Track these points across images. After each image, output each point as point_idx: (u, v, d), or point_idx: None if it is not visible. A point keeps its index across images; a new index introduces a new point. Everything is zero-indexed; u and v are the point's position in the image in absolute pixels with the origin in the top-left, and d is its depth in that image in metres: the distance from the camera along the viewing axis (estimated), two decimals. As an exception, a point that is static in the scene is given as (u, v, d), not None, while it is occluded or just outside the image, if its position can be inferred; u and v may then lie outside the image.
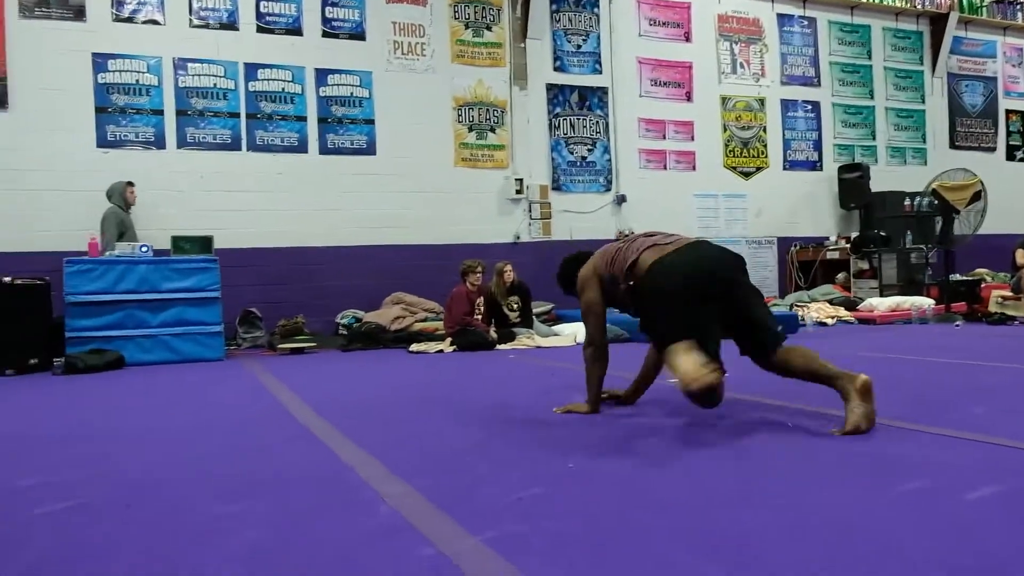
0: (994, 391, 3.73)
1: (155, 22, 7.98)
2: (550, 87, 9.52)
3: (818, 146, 11.00)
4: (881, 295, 9.01)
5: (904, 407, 3.24)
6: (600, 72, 9.80)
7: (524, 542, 1.73)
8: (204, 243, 7.01)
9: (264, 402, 4.12)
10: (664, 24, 10.17)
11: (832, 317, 7.95)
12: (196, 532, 1.91)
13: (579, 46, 9.72)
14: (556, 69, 9.58)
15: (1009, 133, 12.44)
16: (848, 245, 9.83)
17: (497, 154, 9.26)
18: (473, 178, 9.11)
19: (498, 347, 6.80)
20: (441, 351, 6.65)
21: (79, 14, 7.73)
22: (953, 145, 11.94)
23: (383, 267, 8.51)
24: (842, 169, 10.82)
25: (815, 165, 10.97)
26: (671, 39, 10.20)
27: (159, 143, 7.93)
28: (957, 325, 7.41)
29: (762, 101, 10.69)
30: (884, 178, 10.88)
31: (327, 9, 8.60)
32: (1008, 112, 12.44)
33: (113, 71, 7.82)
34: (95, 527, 1.99)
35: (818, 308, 8.07)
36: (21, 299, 5.96)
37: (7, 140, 7.39)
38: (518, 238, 9.22)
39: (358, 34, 8.72)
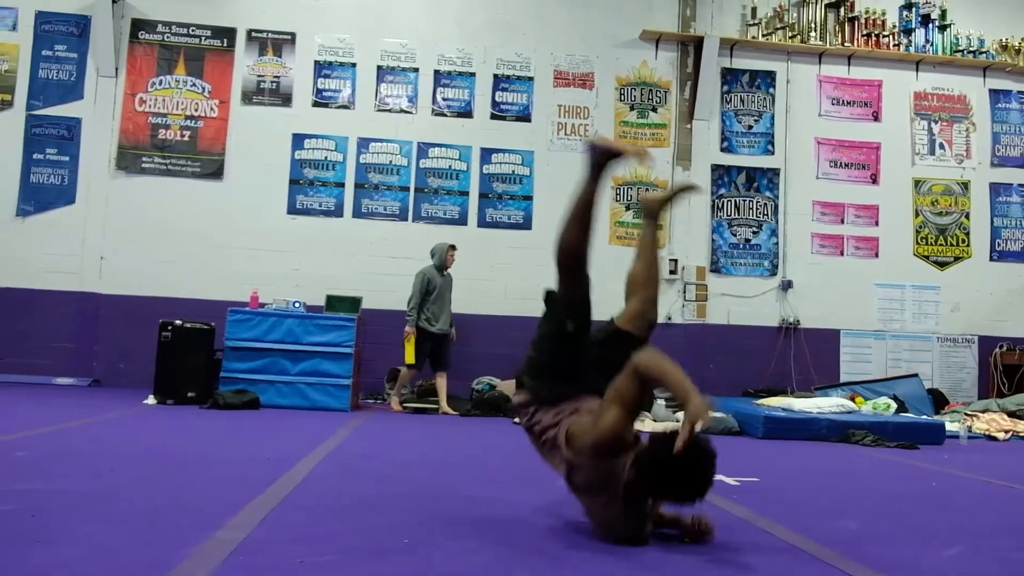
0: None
1: (346, 107, 9.07)
2: (715, 168, 9.37)
3: (1037, 235, 9.68)
4: (1094, 412, 7.65)
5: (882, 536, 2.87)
6: (772, 153, 9.48)
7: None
8: (353, 303, 7.73)
9: (280, 451, 4.51)
10: (849, 103, 9.63)
11: (1007, 431, 6.89)
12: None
13: (750, 127, 9.50)
14: (723, 150, 9.42)
15: None
16: (1061, 350, 8.49)
17: (654, 232, 9.22)
18: (627, 256, 9.08)
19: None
20: (544, 423, 6.71)
21: (287, 100, 9.01)
22: None
23: (527, 338, 8.72)
24: (1066, 263, 9.42)
25: (1032, 257, 9.65)
26: (856, 118, 9.62)
27: (338, 212, 8.93)
28: None
29: (966, 185, 9.66)
30: None
31: (497, 94, 9.24)
32: None
33: (308, 148, 8.98)
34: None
35: (990, 420, 7.05)
36: (189, 340, 6.97)
37: (218, 205, 8.74)
38: (670, 319, 9.06)
39: (524, 116, 9.25)
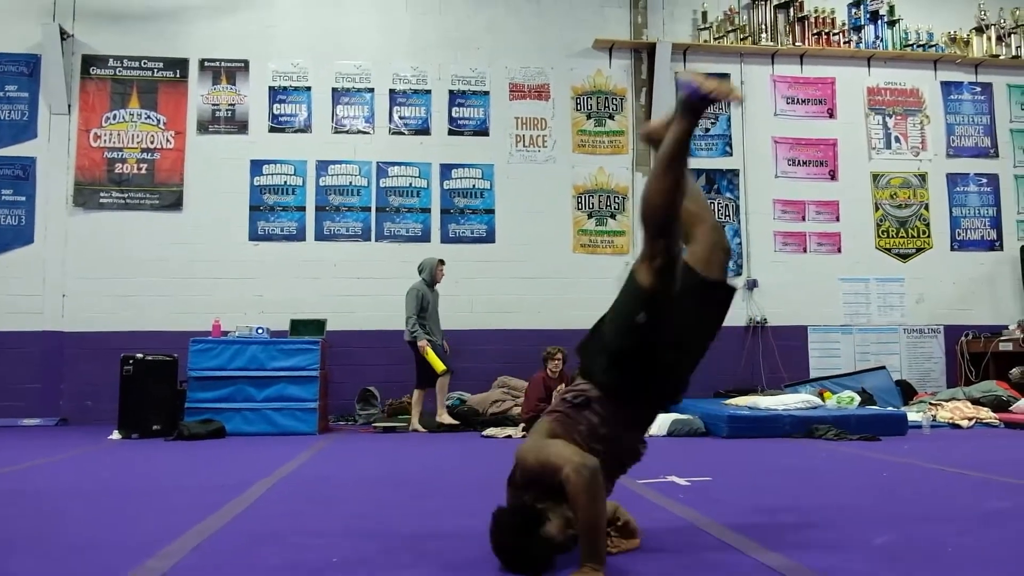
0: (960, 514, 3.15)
1: (303, 131, 9.07)
2: (675, 171, 9.40)
3: (996, 223, 9.78)
4: (1060, 395, 7.71)
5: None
6: (730, 154, 9.55)
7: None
8: (318, 326, 7.71)
9: (236, 477, 4.48)
10: (804, 102, 9.73)
11: (970, 419, 6.94)
12: None
13: (708, 129, 9.58)
14: (682, 153, 9.47)
15: None
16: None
17: (617, 240, 9.28)
18: (592, 264, 9.17)
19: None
20: (510, 436, 6.71)
21: (243, 127, 9.00)
22: None
23: (496, 351, 8.76)
24: (1025, 248, 9.53)
25: (992, 244, 9.75)
26: (812, 116, 9.72)
27: (300, 236, 8.90)
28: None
29: (923, 176, 9.77)
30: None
31: (454, 109, 9.27)
32: None
33: (267, 174, 8.96)
34: None
35: (953, 408, 7.09)
36: (151, 372, 6.91)
37: (179, 236, 8.69)
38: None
39: (482, 130, 9.28)
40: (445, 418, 7.47)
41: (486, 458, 5.51)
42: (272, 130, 9.04)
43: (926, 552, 2.53)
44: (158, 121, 8.88)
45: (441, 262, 7.88)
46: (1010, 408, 7.26)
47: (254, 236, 8.86)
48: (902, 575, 2.23)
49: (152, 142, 8.83)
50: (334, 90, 9.16)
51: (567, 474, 2.24)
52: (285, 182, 8.97)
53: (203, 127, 8.94)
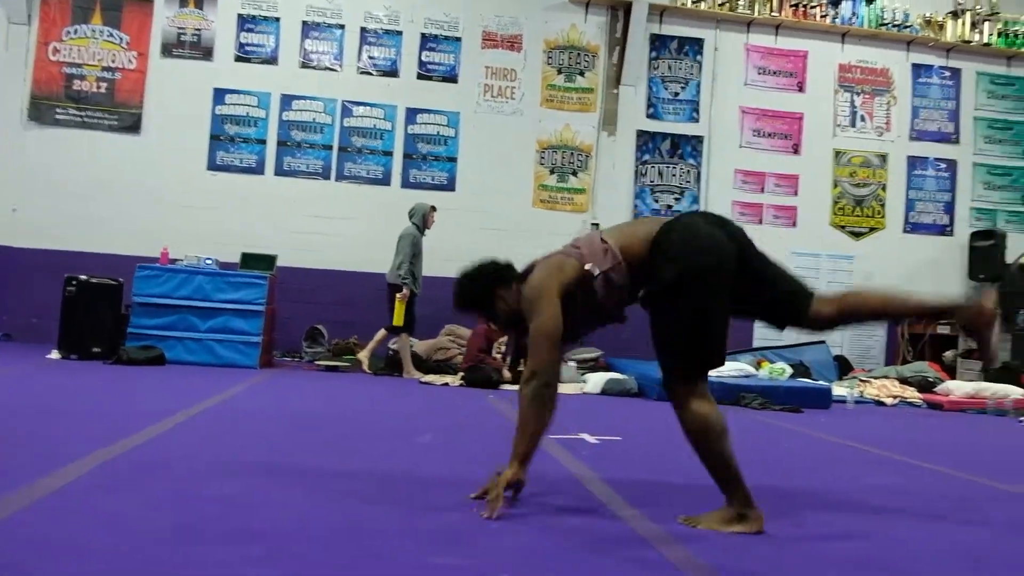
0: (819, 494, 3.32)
1: (270, 62, 8.95)
2: (640, 134, 9.44)
3: (950, 209, 9.95)
4: (986, 380, 7.97)
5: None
6: (697, 120, 9.58)
7: None
8: (269, 261, 7.72)
9: (167, 405, 4.56)
10: (775, 73, 9.75)
11: (895, 398, 7.17)
12: None
13: (676, 93, 9.57)
14: (649, 116, 9.49)
15: None
16: (960, 320, 8.78)
17: (577, 197, 9.33)
18: (550, 219, 9.22)
19: (509, 386, 6.86)
20: (447, 384, 6.84)
21: (208, 54, 8.86)
22: None
23: (446, 298, 8.70)
24: (974, 236, 9.70)
25: (944, 229, 9.93)
26: (781, 88, 9.75)
27: (259, 169, 8.86)
28: (1021, 421, 6.42)
29: (884, 157, 9.87)
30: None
31: (424, 53, 9.18)
32: None
33: (229, 104, 8.86)
34: None
35: (880, 386, 7.32)
36: (95, 295, 6.92)
37: (135, 160, 8.61)
38: (589, 282, 9.18)
39: (451, 77, 9.22)
40: (414, 373, 7.37)
41: (415, 403, 5.64)
42: (238, 59, 8.91)
43: (794, 534, 2.66)
44: (121, 40, 8.71)
45: (433, 208, 7.68)
46: (934, 389, 7.50)
47: (212, 166, 8.80)
48: (741, 544, 2.36)
49: (113, 61, 8.68)
50: (304, 23, 9.03)
51: (534, 333, 2.53)
52: (248, 113, 8.87)
53: (167, 50, 8.80)
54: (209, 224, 8.59)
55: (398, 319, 7.32)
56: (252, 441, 3.62)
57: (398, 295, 7.28)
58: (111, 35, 8.68)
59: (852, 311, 2.67)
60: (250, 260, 7.71)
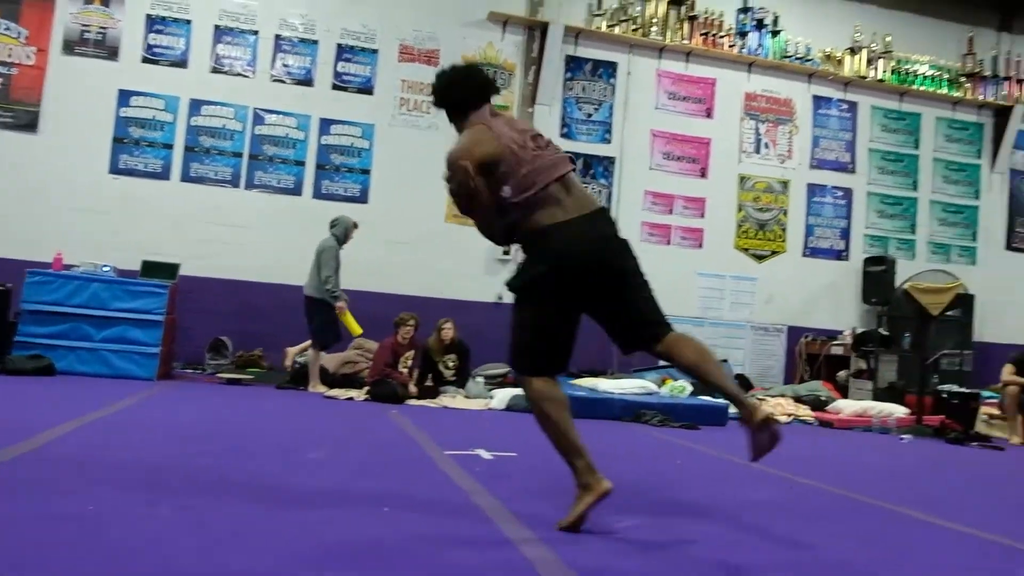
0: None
1: (179, 65, 8.73)
2: (554, 152, 9.57)
3: (846, 235, 10.44)
4: (874, 399, 8.38)
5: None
6: (609, 142, 9.79)
7: None
8: (171, 270, 7.51)
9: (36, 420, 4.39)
10: (684, 99, 10.06)
11: (790, 415, 7.47)
12: None
13: (590, 115, 9.77)
14: (563, 136, 9.64)
15: (1083, 240, 11.32)
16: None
17: (491, 213, 9.37)
18: (463, 235, 9.20)
19: (415, 402, 6.85)
20: (351, 399, 6.78)
21: (113, 54, 8.59)
22: (1010, 246, 11.02)
23: (358, 312, 8.70)
24: (868, 261, 10.21)
25: (840, 254, 10.41)
26: (690, 114, 10.07)
27: (165, 174, 8.61)
28: (902, 439, 6.80)
29: (786, 184, 10.30)
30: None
31: (340, 64, 9.12)
32: (1088, 218, 11.35)
33: (135, 106, 8.60)
34: None
35: (776, 403, 7.62)
36: (-19, 302, 6.60)
37: (31, 160, 8.26)
38: (500, 298, 9.24)
39: (367, 88, 9.18)
40: (319, 388, 7.25)
41: (314, 418, 5.57)
42: (145, 60, 8.66)
43: (661, 541, 2.75)
44: (19, 34, 8.36)
45: (355, 224, 7.66)
46: (826, 408, 7.84)
47: (115, 169, 8.51)
48: (606, 549, 2.44)
49: (10, 56, 8.32)
50: (216, 27, 8.85)
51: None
52: (154, 117, 8.63)
53: (69, 47, 8.48)
54: (109, 230, 8.29)
55: (355, 329, 7.33)
56: (132, 456, 3.51)
57: (338, 307, 7.21)
58: (8, 28, 8.32)
59: (676, 358, 2.76)
60: (151, 268, 7.48)
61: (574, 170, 2.89)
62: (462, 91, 2.93)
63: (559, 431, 2.68)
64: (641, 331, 2.80)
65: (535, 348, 2.75)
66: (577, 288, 2.71)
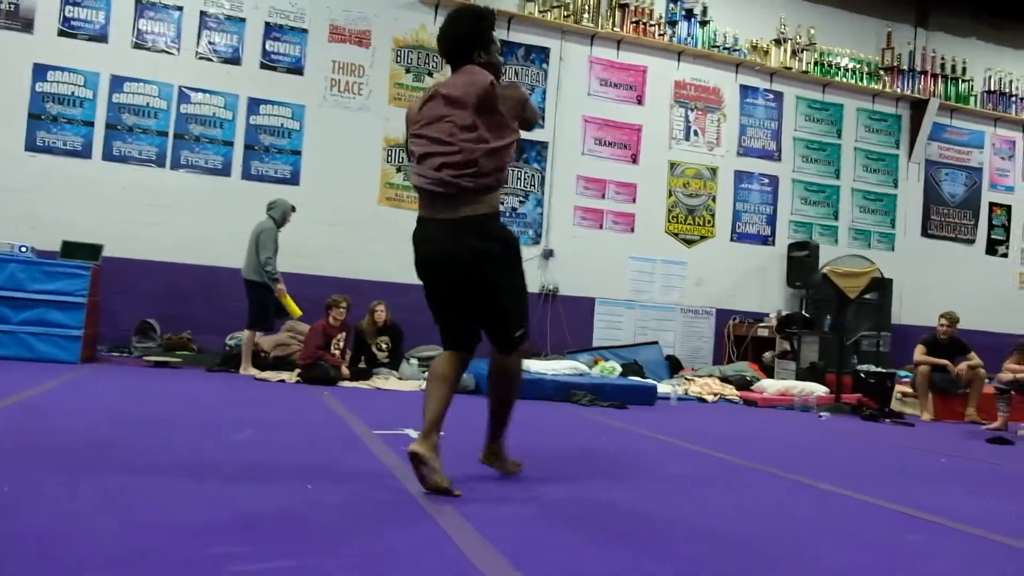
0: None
1: (98, 39, 8.44)
2: (488, 136, 9.59)
3: (772, 221, 10.76)
4: (797, 379, 8.69)
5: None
6: (542, 126, 9.86)
7: None
8: (93, 250, 7.30)
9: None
10: (616, 85, 10.19)
11: (715, 395, 7.70)
12: None
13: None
14: (497, 119, 9.65)
15: (992, 227, 11.91)
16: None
17: (424, 196, 9.36)
18: (395, 217, 9.20)
19: (347, 384, 6.83)
20: (283, 381, 6.72)
21: (27, 26, 8.26)
22: (926, 233, 11.52)
23: (290, 294, 8.64)
24: (792, 247, 10.55)
25: (766, 240, 10.72)
26: (622, 100, 10.21)
27: (86, 152, 8.34)
28: (820, 416, 7.09)
29: (714, 170, 10.55)
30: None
31: (268, 43, 8.95)
32: (993, 205, 11.93)
33: (52, 81, 8.29)
34: None
35: (703, 384, 7.84)
36: None
37: (-60, 137, 7.90)
38: (434, 280, 9.25)
39: (296, 69, 9.03)
40: (251, 370, 7.19)
41: (244, 400, 5.51)
42: (62, 33, 8.36)
43: (575, 510, 2.84)
44: (-75, 5, 7.97)
45: (293, 208, 7.64)
46: (752, 387, 8.10)
47: (31, 147, 8.21)
48: (513, 514, 2.51)
49: (-85, 28, 7.92)
50: (138, 2, 8.59)
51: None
52: (73, 93, 8.34)
53: (-21, 19, 8.12)
54: (25, 209, 8.01)
55: (295, 311, 7.31)
56: (51, 439, 3.42)
57: (278, 289, 7.17)
58: (-87, -1, 7.93)
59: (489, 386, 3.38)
60: (72, 249, 7.26)
61: None
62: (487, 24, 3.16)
63: (425, 401, 3.03)
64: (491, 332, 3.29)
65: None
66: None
